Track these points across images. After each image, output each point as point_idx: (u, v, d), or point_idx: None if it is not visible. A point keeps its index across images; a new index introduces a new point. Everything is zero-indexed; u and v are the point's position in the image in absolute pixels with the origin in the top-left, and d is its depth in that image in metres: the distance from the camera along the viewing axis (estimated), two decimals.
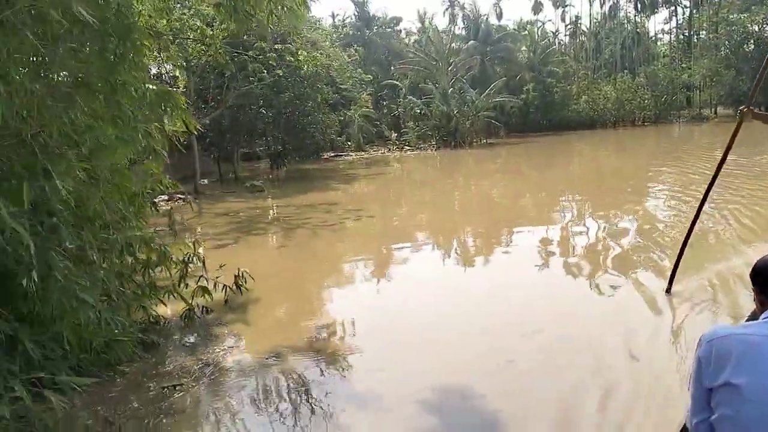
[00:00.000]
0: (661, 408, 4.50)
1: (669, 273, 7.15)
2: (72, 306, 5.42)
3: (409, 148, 39.00)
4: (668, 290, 7.06)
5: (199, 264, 7.42)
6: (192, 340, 6.56)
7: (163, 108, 5.86)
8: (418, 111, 40.65)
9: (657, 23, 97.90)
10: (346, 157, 35.69)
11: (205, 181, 24.08)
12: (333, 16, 58.09)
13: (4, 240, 4.82)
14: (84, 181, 5.49)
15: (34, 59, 5.71)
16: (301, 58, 20.21)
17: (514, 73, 49.23)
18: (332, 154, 35.59)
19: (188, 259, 7.22)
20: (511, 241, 11.60)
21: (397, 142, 40.35)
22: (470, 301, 7.71)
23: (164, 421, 4.78)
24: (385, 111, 46.21)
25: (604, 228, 12.16)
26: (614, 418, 4.42)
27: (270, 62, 19.74)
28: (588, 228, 12.45)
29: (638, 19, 62.69)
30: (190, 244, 7.38)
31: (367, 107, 38.45)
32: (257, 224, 14.28)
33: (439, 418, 4.65)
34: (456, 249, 11.38)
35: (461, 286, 8.66)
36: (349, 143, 38.93)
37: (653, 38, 65.68)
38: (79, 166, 5.42)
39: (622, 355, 5.54)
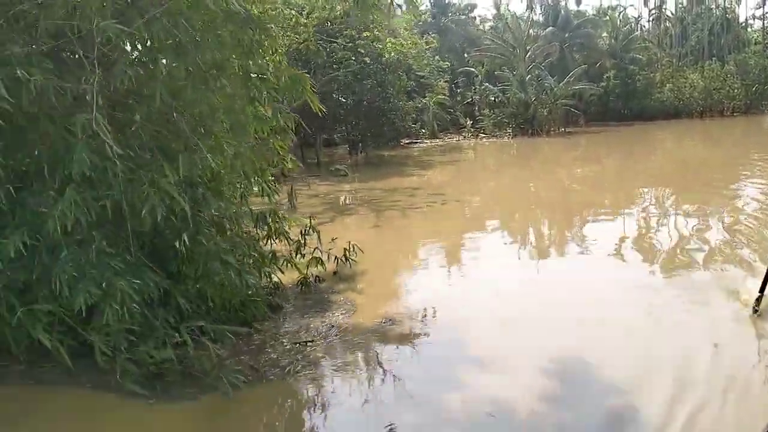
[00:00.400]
0: (742, 396, 4.65)
1: (759, 276, 6.41)
2: (215, 267, 6.08)
3: (484, 135, 38.81)
4: (756, 310, 6.20)
5: (312, 237, 7.98)
6: (311, 304, 7.12)
7: (297, 90, 6.39)
8: (493, 99, 40.34)
9: (748, 8, 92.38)
10: (420, 144, 35.98)
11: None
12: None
13: (164, 207, 5.45)
14: (228, 155, 6.08)
15: (178, 45, 6.29)
16: (388, 45, 20.66)
17: (594, 60, 47.86)
18: (407, 141, 35.93)
19: (305, 231, 7.79)
20: (589, 233, 11.53)
21: (472, 130, 40.19)
22: (554, 285, 8.02)
23: (302, 370, 5.34)
24: (459, 98, 46.08)
25: (687, 222, 11.97)
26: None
27: (359, 49, 20.30)
28: (670, 221, 12.24)
29: (727, 4, 59.53)
30: (306, 218, 7.94)
31: (444, 94, 38.50)
32: (348, 205, 14.89)
33: (558, 381, 5.01)
34: (537, 236, 11.68)
35: (543, 269, 9.06)
36: (423, 130, 39.13)
37: (743, 24, 62.17)
38: (223, 142, 6.04)
39: (705, 346, 5.60)
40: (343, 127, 28.47)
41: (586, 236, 11.02)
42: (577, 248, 10.31)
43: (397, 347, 5.86)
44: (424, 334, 6.11)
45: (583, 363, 5.26)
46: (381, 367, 5.46)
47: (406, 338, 6.03)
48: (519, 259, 9.75)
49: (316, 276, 7.88)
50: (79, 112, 5.29)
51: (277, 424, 4.75)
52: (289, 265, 7.63)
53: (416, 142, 36.71)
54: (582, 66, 42.92)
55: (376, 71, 23.57)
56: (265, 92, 6.22)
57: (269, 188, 6.79)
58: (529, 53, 41.95)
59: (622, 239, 10.38)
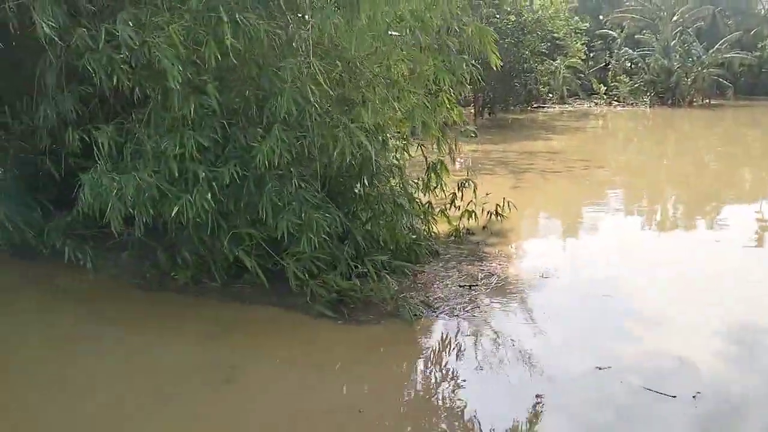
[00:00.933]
0: None
1: None
2: (388, 209, 6.52)
3: (617, 103, 36.98)
4: None
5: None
6: (466, 254, 7.43)
7: (480, 43, 6.58)
8: (629, 65, 38.17)
9: None
10: (548, 109, 34.93)
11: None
12: None
13: (353, 150, 5.88)
14: (410, 104, 6.39)
15: None
16: (537, 4, 20.14)
17: (750, 26, 43.70)
18: (535, 105, 35.00)
19: (462, 184, 8.04)
20: (732, 213, 10.70)
21: (605, 97, 38.37)
22: (709, 254, 7.91)
23: (471, 310, 5.68)
24: (591, 62, 43.95)
25: None
26: None
27: (504, 7, 19.95)
28: None
29: None
30: (465, 172, 8.20)
31: (579, 57, 36.90)
32: (484, 165, 14.95)
33: (734, 344, 5.05)
34: (682, 207, 11.26)
35: (692, 239, 8.95)
36: (550, 95, 37.87)
37: None
38: (405, 92, 6.37)
39: None
40: (471, 87, 28.18)
41: (730, 215, 10.51)
42: (727, 224, 9.87)
43: (558, 299, 6.07)
44: (584, 290, 6.27)
45: (757, 329, 5.22)
46: (545, 315, 5.68)
47: (566, 291, 6.24)
48: (668, 226, 9.77)
49: (467, 229, 8.16)
50: (284, 58, 5.83)
51: (451, 354, 5.10)
52: (440, 216, 7.95)
53: (543, 107, 35.69)
54: (735, 33, 39.43)
55: (513, 30, 23.05)
56: (449, 43, 6.44)
57: (441, 140, 7.07)
58: (676, 16, 39.08)
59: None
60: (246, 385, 4.50)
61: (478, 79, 6.87)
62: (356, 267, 5.89)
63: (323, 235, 5.67)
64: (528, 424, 4.00)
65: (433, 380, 4.72)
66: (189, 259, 6.12)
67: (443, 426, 4.10)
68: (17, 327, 5.53)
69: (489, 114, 27.84)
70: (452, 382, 4.60)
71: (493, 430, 3.97)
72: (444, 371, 4.81)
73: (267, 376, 4.67)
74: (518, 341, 5.13)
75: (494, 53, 6.71)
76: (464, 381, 4.57)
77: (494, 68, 6.92)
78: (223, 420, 4.05)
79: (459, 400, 4.35)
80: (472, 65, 6.70)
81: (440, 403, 4.38)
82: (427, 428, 4.14)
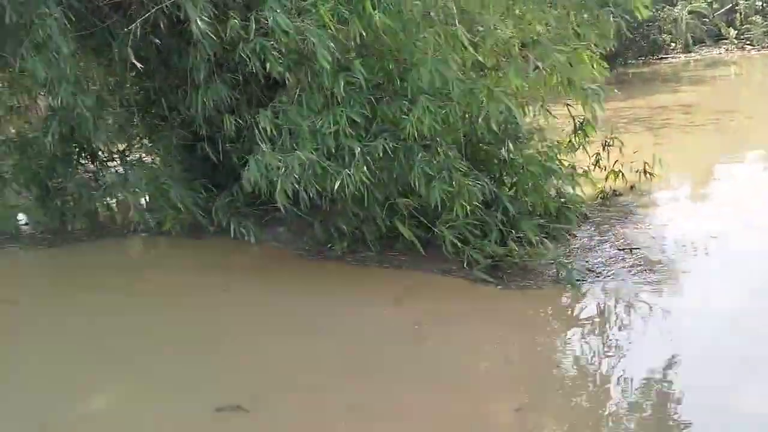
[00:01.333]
0: None
1: None
2: (536, 173, 6.38)
3: (751, 47, 33.75)
4: None
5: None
6: (618, 216, 7.14)
7: None
8: (761, 4, 34.63)
9: None
10: (672, 59, 32.53)
11: None
12: None
13: (500, 115, 5.79)
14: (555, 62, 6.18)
15: None
16: None
17: None
18: (658, 57, 32.73)
19: (606, 143, 7.71)
20: None
21: (736, 41, 35.13)
22: None
23: (638, 273, 5.47)
24: (716, 6, 40.34)
25: None
26: None
27: None
28: None
29: None
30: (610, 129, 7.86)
31: (703, 1, 34.01)
32: (616, 123, 14.18)
33: None
34: None
35: None
36: (673, 44, 35.22)
37: None
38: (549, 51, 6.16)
39: None
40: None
41: None
42: None
43: (734, 257, 5.73)
44: (761, 247, 5.83)
45: None
46: (724, 275, 5.38)
47: (740, 250, 5.86)
48: None
49: (613, 190, 7.83)
50: (422, 29, 5.83)
51: (626, 318, 4.92)
52: (584, 177, 7.64)
53: (666, 58, 33.31)
54: None
55: None
56: None
57: (590, 96, 6.76)
58: None
59: None
60: (437, 344, 4.60)
61: (628, 31, 6.47)
62: (509, 232, 5.83)
63: (475, 202, 5.68)
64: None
65: (614, 342, 4.58)
66: (345, 231, 6.34)
67: (640, 378, 3.98)
68: (215, 303, 5.83)
69: (611, 70, 26.46)
70: (635, 345, 4.45)
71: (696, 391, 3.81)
72: (620, 336, 4.65)
73: (452, 335, 4.72)
74: (702, 301, 4.89)
75: (643, 3, 6.30)
76: (648, 344, 4.43)
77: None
78: (432, 374, 4.19)
79: (648, 361, 4.15)
80: (620, 17, 6.34)
81: (633, 359, 4.28)
82: (626, 380, 4.03)
